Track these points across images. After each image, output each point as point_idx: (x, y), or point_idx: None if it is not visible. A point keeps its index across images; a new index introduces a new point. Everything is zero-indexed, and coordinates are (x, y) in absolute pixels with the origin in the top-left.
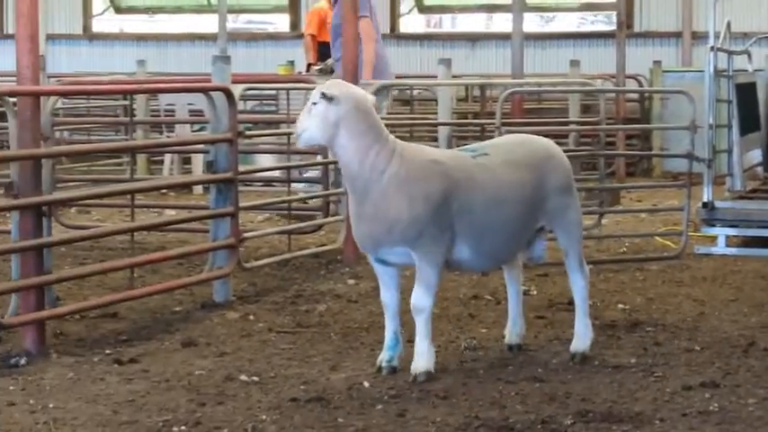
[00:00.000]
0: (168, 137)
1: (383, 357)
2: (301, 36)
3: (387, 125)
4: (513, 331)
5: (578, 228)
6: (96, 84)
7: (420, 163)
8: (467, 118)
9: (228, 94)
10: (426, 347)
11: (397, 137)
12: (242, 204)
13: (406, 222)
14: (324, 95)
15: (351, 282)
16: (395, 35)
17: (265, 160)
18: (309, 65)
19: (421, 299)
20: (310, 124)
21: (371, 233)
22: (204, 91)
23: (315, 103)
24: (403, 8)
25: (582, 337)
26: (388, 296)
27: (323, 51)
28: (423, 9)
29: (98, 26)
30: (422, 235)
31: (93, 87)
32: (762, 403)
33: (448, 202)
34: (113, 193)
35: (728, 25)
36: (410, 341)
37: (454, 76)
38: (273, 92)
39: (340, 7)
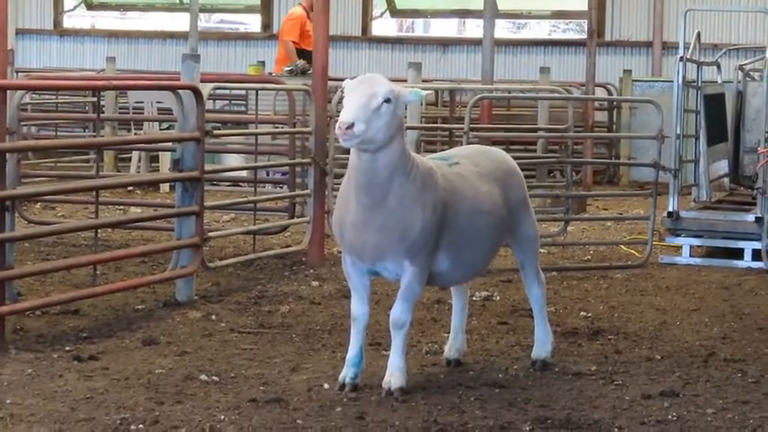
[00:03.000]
0: (136, 134)
1: (347, 374)
2: (273, 37)
3: None
4: (452, 345)
5: (535, 242)
6: (64, 79)
7: (426, 169)
8: (436, 122)
9: (197, 92)
10: (403, 364)
11: None
12: (207, 204)
13: (417, 232)
14: (391, 94)
15: (314, 283)
16: (366, 38)
17: (233, 160)
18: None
19: (404, 313)
20: (378, 124)
21: (377, 243)
22: (172, 89)
23: (387, 101)
24: (375, 11)
25: (542, 344)
26: (361, 310)
27: (302, 57)
28: (395, 12)
29: (69, 22)
30: (425, 246)
31: (60, 83)
32: (720, 413)
33: (443, 213)
34: (78, 189)
35: (698, 36)
36: (371, 344)
37: (424, 81)
38: (243, 92)
39: None
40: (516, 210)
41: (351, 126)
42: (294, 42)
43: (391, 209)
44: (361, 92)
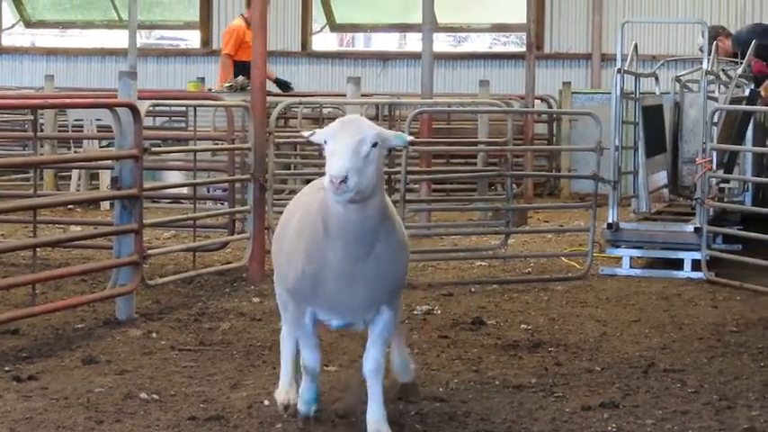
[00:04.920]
0: (76, 152)
1: (309, 410)
2: (213, 53)
3: (295, 144)
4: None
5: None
6: (2, 98)
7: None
8: None
9: (134, 110)
10: (385, 413)
11: (305, 156)
12: (146, 221)
13: (404, 273)
14: (378, 138)
15: (255, 300)
16: (306, 53)
17: (172, 177)
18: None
19: (382, 357)
20: (369, 172)
21: (368, 295)
22: (109, 106)
23: (374, 145)
24: (315, 26)
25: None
26: (314, 359)
27: (240, 70)
28: (334, 27)
29: (7, 40)
30: (404, 285)
31: None
32: (659, 424)
33: None
34: (16, 209)
35: (636, 48)
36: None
37: (364, 95)
38: (183, 108)
39: None
40: None
41: (345, 179)
42: (230, 55)
43: (381, 256)
44: (348, 138)
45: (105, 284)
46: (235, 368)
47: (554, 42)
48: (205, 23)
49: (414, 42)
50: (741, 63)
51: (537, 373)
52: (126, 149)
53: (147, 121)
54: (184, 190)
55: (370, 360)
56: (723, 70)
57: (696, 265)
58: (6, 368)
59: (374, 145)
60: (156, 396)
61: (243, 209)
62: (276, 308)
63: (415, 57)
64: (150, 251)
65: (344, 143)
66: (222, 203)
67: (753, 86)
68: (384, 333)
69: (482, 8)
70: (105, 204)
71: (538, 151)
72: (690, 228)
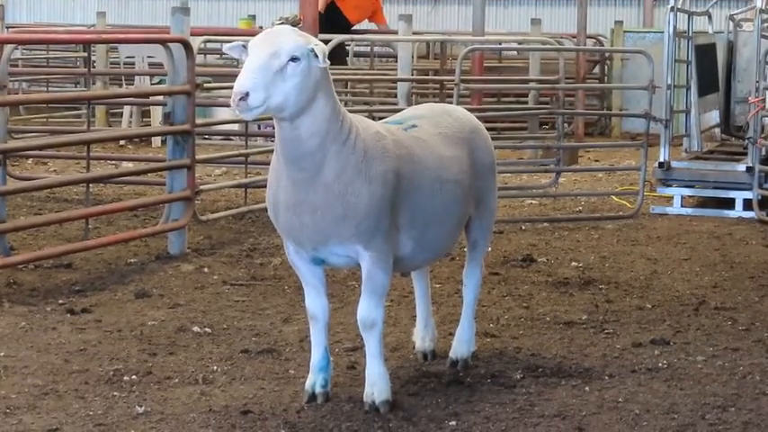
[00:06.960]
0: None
1: (316, 382)
2: None
3: (346, 81)
4: (424, 336)
5: (494, 217)
6: (54, 33)
7: (371, 135)
8: (427, 75)
9: (187, 45)
10: (383, 370)
11: (356, 93)
12: (198, 157)
13: (364, 210)
14: (312, 52)
15: None
16: None
17: (224, 114)
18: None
19: (373, 310)
20: (285, 88)
21: (316, 225)
22: (162, 42)
23: (294, 60)
24: None
25: (465, 342)
26: (318, 305)
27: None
28: None
29: None
30: (378, 228)
31: (50, 36)
32: (710, 360)
33: (398, 185)
34: (69, 143)
35: None
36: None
37: (415, 33)
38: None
39: None
40: (483, 176)
41: (245, 96)
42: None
43: (328, 184)
44: (261, 51)
45: (157, 220)
46: (286, 303)
47: None
48: None
49: None
50: None
51: (587, 310)
52: (179, 85)
53: (198, 59)
54: (236, 127)
55: (358, 313)
56: None
57: (747, 205)
58: (60, 301)
59: (294, 59)
60: (208, 329)
61: None
62: None
63: None
64: (202, 187)
65: (255, 56)
66: (273, 140)
67: None
68: (369, 283)
69: None
70: (157, 141)
71: (589, 90)
72: (741, 167)
